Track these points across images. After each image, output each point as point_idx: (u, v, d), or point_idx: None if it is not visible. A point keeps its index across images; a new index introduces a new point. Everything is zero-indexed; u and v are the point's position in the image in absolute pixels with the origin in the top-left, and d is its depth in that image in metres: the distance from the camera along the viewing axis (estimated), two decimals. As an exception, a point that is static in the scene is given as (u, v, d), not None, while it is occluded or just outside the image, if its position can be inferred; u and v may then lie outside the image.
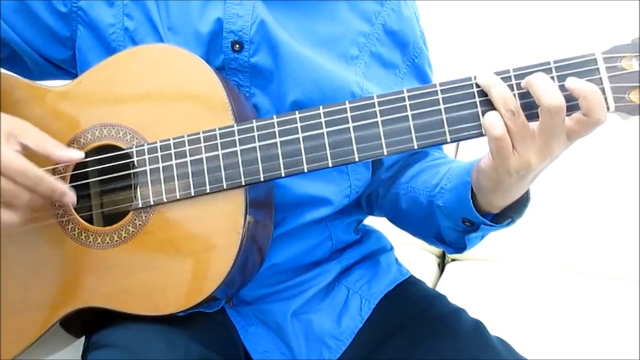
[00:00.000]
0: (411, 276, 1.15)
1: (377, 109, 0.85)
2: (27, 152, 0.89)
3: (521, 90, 0.81)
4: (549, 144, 0.81)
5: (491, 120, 0.80)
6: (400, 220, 1.13)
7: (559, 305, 1.58)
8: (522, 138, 0.80)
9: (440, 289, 1.63)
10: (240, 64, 0.98)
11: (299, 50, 0.98)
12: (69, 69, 1.07)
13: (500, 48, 1.85)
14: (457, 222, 0.95)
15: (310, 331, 1.06)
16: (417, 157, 1.10)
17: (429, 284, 1.34)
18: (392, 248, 1.20)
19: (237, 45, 0.97)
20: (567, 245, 1.74)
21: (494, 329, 1.03)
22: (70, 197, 0.92)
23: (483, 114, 0.82)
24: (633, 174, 1.69)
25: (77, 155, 0.93)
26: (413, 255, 1.79)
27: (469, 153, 1.77)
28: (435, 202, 0.98)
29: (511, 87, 0.81)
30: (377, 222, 1.21)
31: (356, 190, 1.07)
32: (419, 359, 0.99)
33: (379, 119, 0.85)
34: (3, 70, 1.04)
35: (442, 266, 1.90)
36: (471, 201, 0.91)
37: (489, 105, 0.82)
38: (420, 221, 1.06)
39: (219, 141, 0.90)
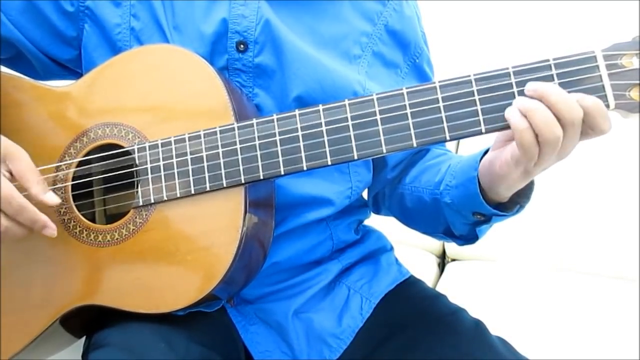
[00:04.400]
0: (411, 276, 1.15)
1: (376, 107, 0.85)
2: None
3: (521, 88, 0.81)
4: (567, 149, 0.82)
5: (526, 138, 0.80)
6: (407, 219, 1.14)
7: (559, 305, 1.58)
8: (551, 151, 0.81)
9: (440, 289, 1.62)
10: (244, 64, 0.99)
11: (302, 50, 0.98)
12: (74, 69, 1.08)
13: (500, 46, 1.85)
14: (468, 216, 0.97)
15: (311, 330, 1.06)
16: (420, 155, 1.11)
17: (429, 284, 1.34)
18: (392, 248, 1.20)
19: (242, 46, 0.98)
20: (567, 245, 1.74)
21: (494, 329, 1.03)
22: (52, 230, 0.91)
23: (482, 112, 0.82)
24: (633, 173, 1.69)
25: (53, 200, 0.92)
26: (413, 255, 1.79)
27: (470, 149, 1.77)
28: (441, 200, 0.99)
29: (510, 85, 0.82)
30: (377, 222, 1.21)
31: (357, 192, 1.08)
32: (419, 359, 0.99)
33: (378, 117, 0.85)
34: (8, 70, 1.05)
35: (442, 266, 1.90)
36: (480, 195, 0.92)
37: (488, 102, 0.82)
38: (427, 219, 1.07)
39: (219, 139, 0.90)
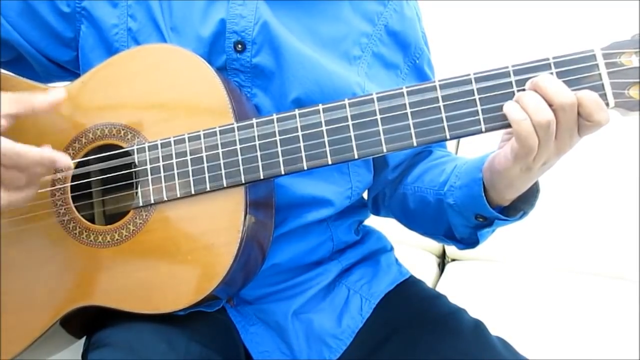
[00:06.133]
0: (411, 276, 1.15)
1: (376, 106, 0.86)
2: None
3: (521, 87, 0.81)
4: (564, 140, 0.82)
5: (524, 128, 0.81)
6: (408, 220, 1.13)
7: (559, 305, 1.58)
8: (546, 141, 0.82)
9: (440, 289, 1.62)
10: (242, 65, 0.98)
11: (301, 51, 0.98)
12: (73, 70, 1.07)
13: (500, 45, 1.84)
14: (470, 219, 0.97)
15: (310, 331, 1.06)
16: (421, 156, 1.11)
17: (429, 284, 1.34)
18: (392, 248, 1.20)
19: (240, 46, 0.97)
20: (567, 245, 1.74)
21: (494, 329, 1.03)
22: (64, 162, 0.87)
23: (482, 112, 0.83)
24: (633, 174, 1.68)
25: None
26: (413, 255, 1.79)
27: (470, 150, 1.77)
28: (445, 201, 0.99)
29: (510, 85, 0.82)
30: (377, 222, 1.21)
31: (357, 192, 1.07)
32: (419, 359, 0.99)
33: (378, 116, 0.85)
34: (6, 72, 1.04)
35: (442, 266, 1.89)
36: (484, 197, 0.92)
37: (488, 102, 0.82)
38: (429, 220, 1.06)
39: (219, 139, 0.90)
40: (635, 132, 1.65)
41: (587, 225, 1.73)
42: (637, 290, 1.60)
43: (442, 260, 1.92)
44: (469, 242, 1.03)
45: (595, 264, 1.72)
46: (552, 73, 0.81)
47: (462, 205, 0.97)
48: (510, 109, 0.81)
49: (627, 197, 1.69)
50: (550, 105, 0.80)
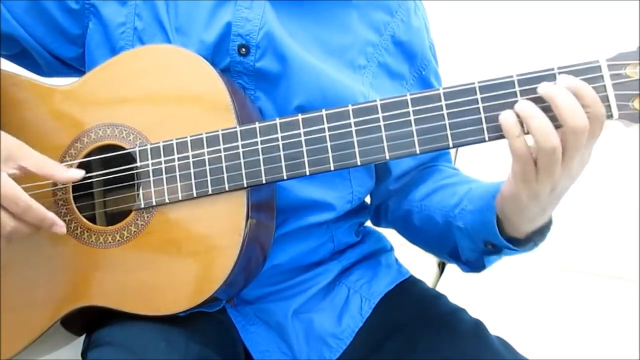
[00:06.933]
0: (411, 276, 1.15)
1: (379, 113, 0.85)
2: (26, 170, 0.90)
3: (525, 97, 0.81)
4: (571, 163, 0.81)
5: (518, 146, 0.79)
6: (412, 236, 1.13)
7: (559, 305, 1.59)
8: (549, 165, 0.80)
9: (440, 289, 1.62)
10: (246, 68, 0.98)
11: (305, 58, 0.97)
12: (78, 67, 1.07)
13: (505, 54, 1.84)
14: (478, 244, 0.95)
15: (310, 330, 1.07)
16: (429, 172, 1.10)
17: (429, 284, 1.34)
18: (392, 248, 1.20)
19: (244, 49, 0.97)
20: (567, 245, 1.74)
21: (494, 329, 1.03)
22: (60, 227, 0.90)
23: (486, 120, 0.82)
24: (633, 174, 1.68)
25: (78, 174, 0.92)
26: (413, 256, 1.77)
27: (469, 156, 1.77)
28: (454, 223, 0.98)
29: (514, 94, 0.81)
30: (377, 223, 1.21)
31: (358, 197, 1.07)
32: (419, 359, 0.99)
33: (381, 123, 0.85)
34: (9, 67, 1.04)
35: (442, 266, 1.89)
36: (496, 225, 0.90)
37: (491, 111, 0.82)
38: (434, 239, 1.06)
39: (221, 142, 0.90)
40: (636, 132, 1.64)
41: (587, 225, 1.73)
42: (637, 290, 1.60)
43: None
44: (475, 265, 1.01)
45: (595, 264, 1.73)
46: (556, 84, 0.80)
47: (472, 229, 0.95)
48: (506, 120, 0.79)
49: (627, 197, 1.69)
50: (561, 126, 0.78)
